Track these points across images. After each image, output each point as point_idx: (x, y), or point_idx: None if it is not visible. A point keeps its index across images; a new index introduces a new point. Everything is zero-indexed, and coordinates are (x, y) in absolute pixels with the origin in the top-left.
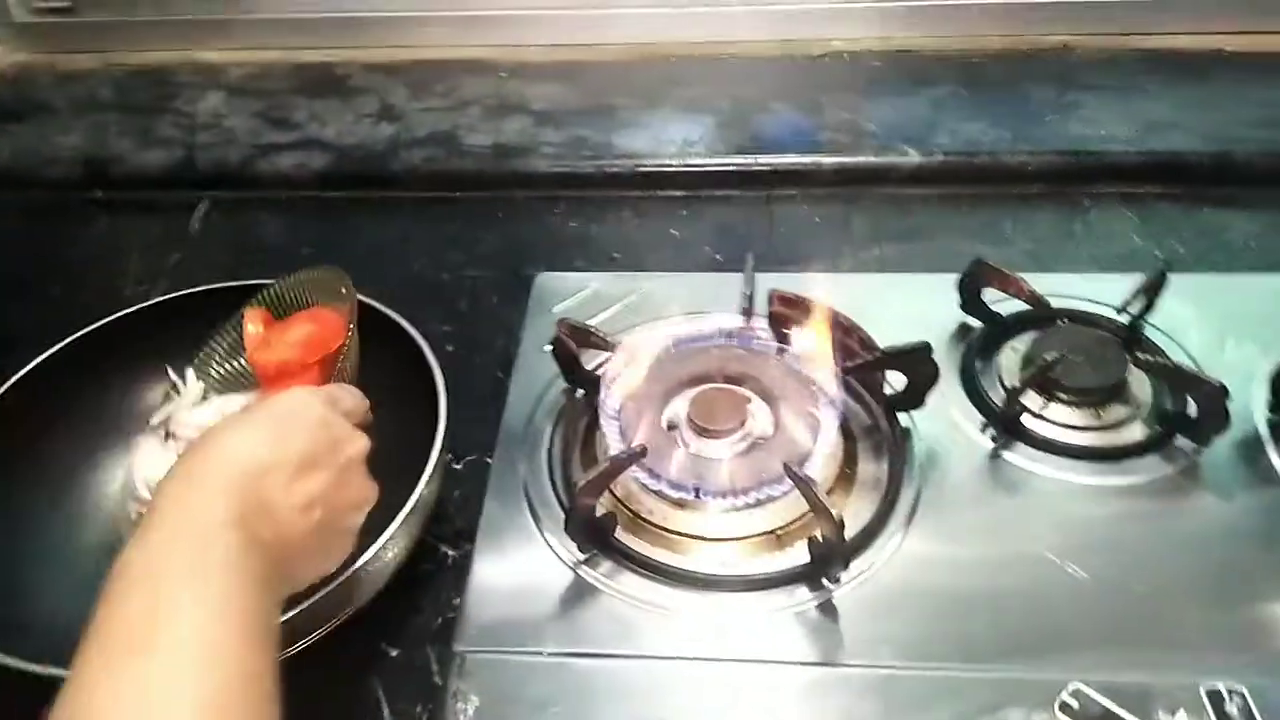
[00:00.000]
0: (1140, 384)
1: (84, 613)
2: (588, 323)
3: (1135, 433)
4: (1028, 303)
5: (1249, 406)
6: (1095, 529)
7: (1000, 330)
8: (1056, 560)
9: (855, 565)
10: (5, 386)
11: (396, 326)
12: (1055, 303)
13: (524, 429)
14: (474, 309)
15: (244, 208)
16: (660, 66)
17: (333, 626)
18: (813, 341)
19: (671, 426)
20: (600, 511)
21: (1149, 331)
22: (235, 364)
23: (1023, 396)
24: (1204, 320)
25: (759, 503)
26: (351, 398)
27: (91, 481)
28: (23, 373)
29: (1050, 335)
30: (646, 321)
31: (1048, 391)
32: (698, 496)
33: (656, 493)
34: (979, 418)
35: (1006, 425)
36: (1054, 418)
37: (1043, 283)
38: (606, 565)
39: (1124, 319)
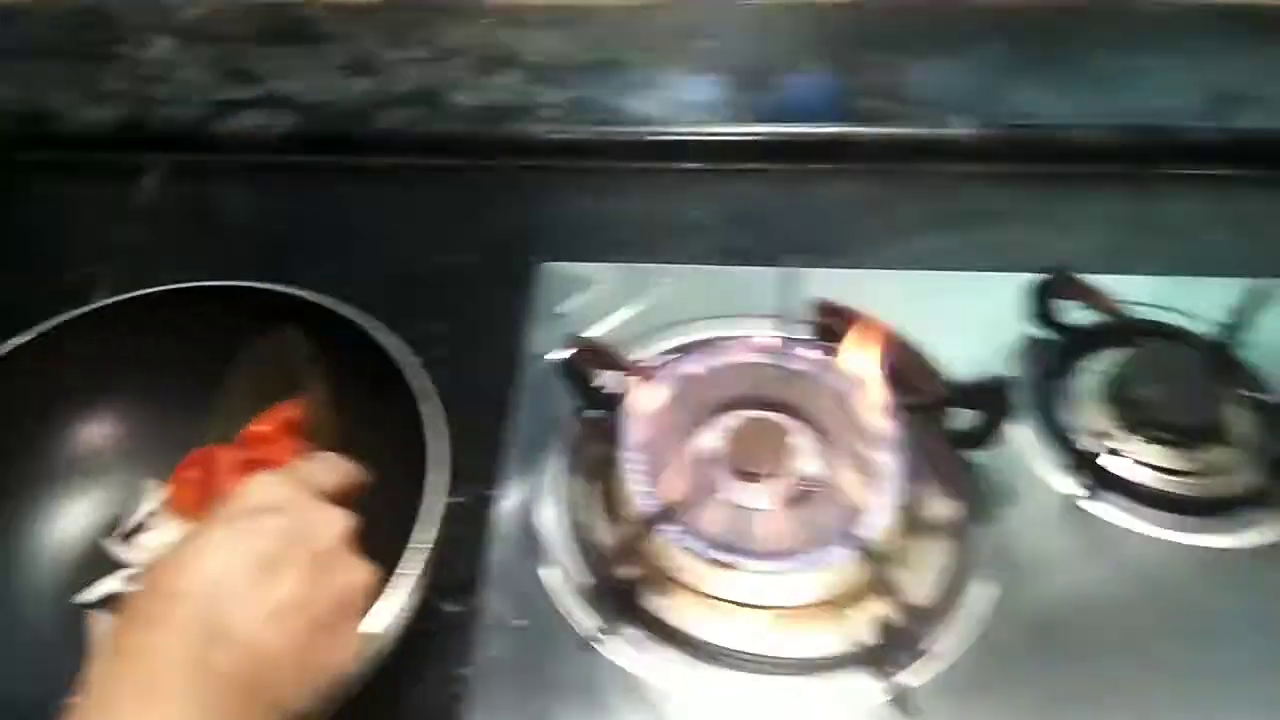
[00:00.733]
0: (1239, 418)
1: None
2: (603, 342)
3: (1238, 482)
4: (1105, 313)
5: None
6: (1192, 601)
7: (1072, 344)
8: (1148, 638)
9: (925, 639)
10: None
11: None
12: (1130, 310)
13: (533, 458)
14: (469, 303)
15: (200, 174)
16: (673, 15)
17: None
18: (866, 368)
19: (702, 463)
20: (624, 572)
21: (1243, 351)
22: None
23: (1110, 440)
24: None
25: (812, 567)
26: (329, 468)
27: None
28: None
29: (1132, 356)
30: (665, 327)
31: (1133, 426)
32: (738, 559)
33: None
34: (1053, 454)
35: (1088, 468)
36: (1140, 457)
37: (1113, 285)
38: (632, 633)
39: (1214, 335)
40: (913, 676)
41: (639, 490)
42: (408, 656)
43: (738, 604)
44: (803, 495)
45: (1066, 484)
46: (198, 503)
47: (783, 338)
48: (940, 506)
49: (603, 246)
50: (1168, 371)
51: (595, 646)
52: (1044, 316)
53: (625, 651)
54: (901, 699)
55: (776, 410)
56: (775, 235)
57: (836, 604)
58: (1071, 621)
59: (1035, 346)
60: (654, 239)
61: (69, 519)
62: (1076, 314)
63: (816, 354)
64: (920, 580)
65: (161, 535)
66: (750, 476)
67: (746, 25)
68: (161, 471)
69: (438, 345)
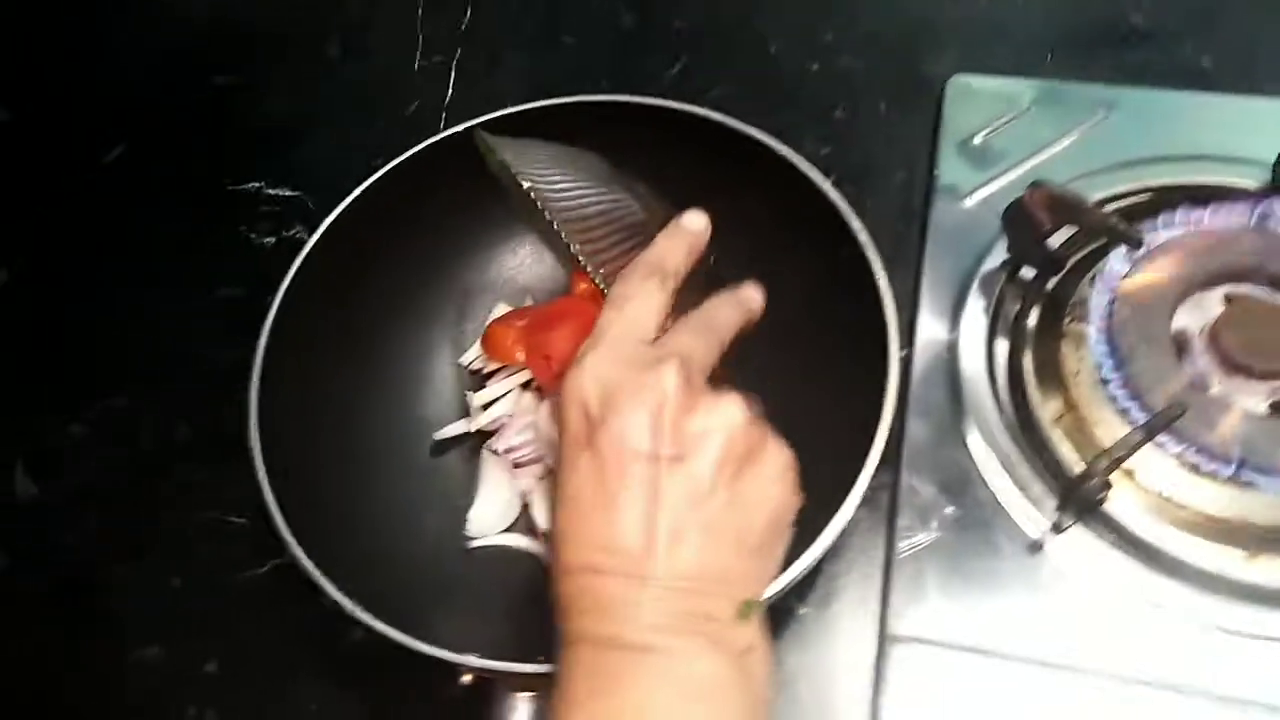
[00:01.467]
0: None
1: None
2: (1066, 188)
3: None
4: None
5: None
6: None
7: None
8: None
9: None
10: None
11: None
12: None
13: (949, 319)
14: (855, 121)
15: None
16: None
17: None
18: None
19: (1180, 345)
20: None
21: None
22: None
23: None
24: None
25: None
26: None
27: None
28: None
29: None
30: (1115, 169)
31: None
32: (1240, 474)
33: (1175, 456)
34: None
35: None
36: None
37: None
38: (1086, 537)
39: None
40: None
41: (1115, 385)
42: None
43: (1213, 518)
44: None
45: None
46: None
47: None
48: None
49: (1024, 55)
50: None
51: (1043, 546)
52: None
53: (1077, 554)
54: None
55: (1275, 289)
56: (1263, 52)
57: None
58: None
59: None
60: (1085, 51)
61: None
62: None
63: None
64: None
65: (503, 386)
66: (1248, 371)
67: None
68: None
69: (823, 169)
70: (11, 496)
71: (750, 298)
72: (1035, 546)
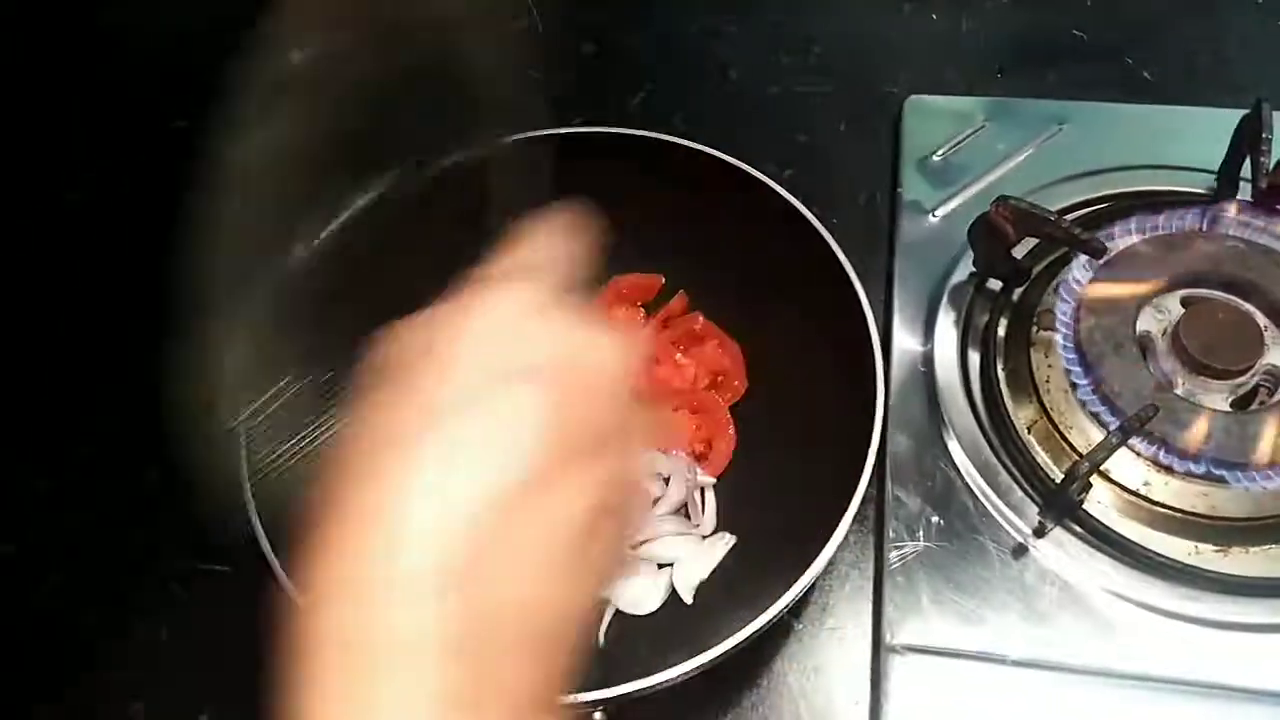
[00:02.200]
0: None
1: None
2: (1030, 202)
3: None
4: None
5: None
6: None
7: None
8: None
9: None
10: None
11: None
12: None
13: (922, 332)
14: (817, 143)
15: None
16: None
17: None
18: None
19: (1143, 348)
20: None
21: None
22: None
23: None
24: None
25: None
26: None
27: None
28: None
29: None
30: (1071, 180)
31: None
32: (1209, 471)
33: (1146, 457)
34: None
35: None
36: None
37: None
38: (1066, 537)
39: None
40: None
41: (1085, 390)
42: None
43: (1186, 514)
44: (1258, 392)
45: None
46: None
47: (1241, 202)
48: None
49: (974, 74)
50: None
51: (1028, 550)
52: None
53: (1059, 556)
54: None
55: (1229, 292)
56: (1187, 58)
57: None
58: None
59: None
60: (1037, 66)
61: None
62: None
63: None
64: None
65: None
66: (1210, 371)
67: None
68: None
69: (787, 191)
70: None
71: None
72: (1020, 550)
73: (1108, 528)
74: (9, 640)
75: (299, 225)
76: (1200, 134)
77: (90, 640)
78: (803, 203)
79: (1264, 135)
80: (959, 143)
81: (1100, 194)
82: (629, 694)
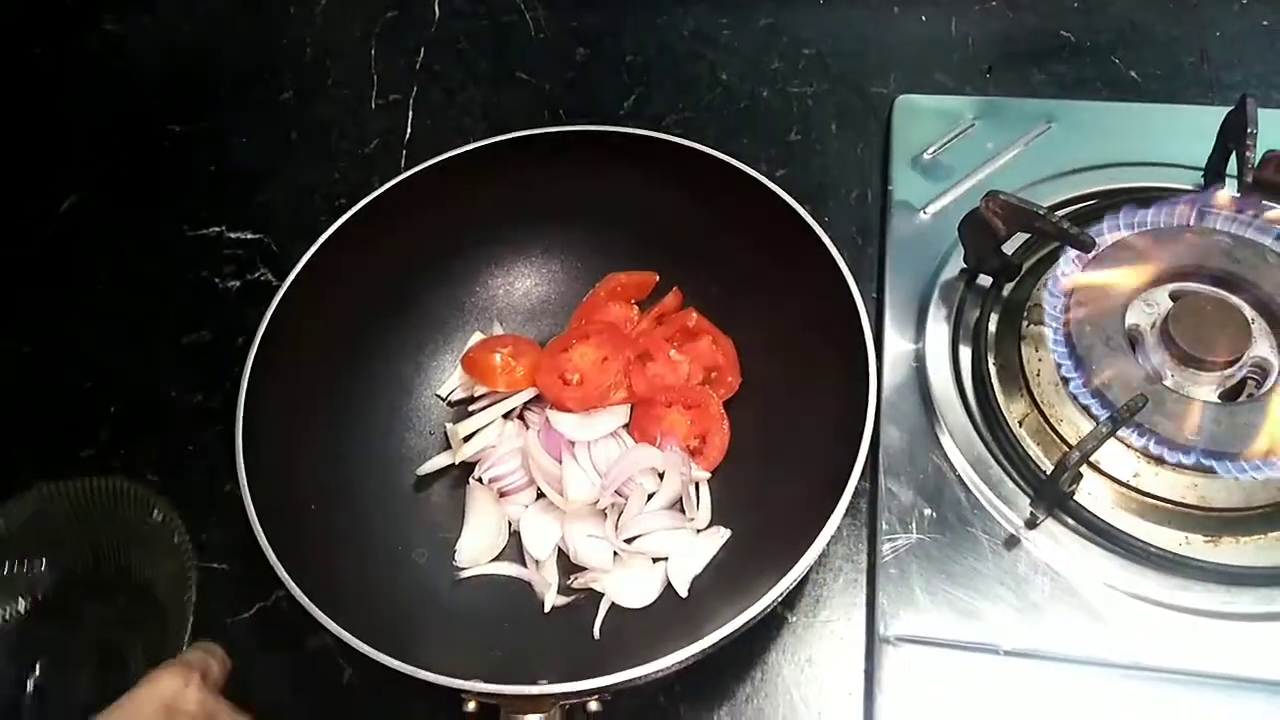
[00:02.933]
0: None
1: None
2: (1020, 197)
3: None
4: None
5: None
6: None
7: None
8: None
9: None
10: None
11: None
12: None
13: (914, 328)
14: (809, 143)
15: None
16: None
17: None
18: None
19: (1133, 341)
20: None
21: None
22: None
23: None
24: None
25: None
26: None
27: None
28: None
29: None
30: (1059, 177)
31: None
32: (1198, 461)
33: (1136, 448)
34: None
35: None
36: None
37: None
38: (1058, 529)
39: None
40: None
41: (1076, 383)
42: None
43: (1177, 504)
44: (1246, 384)
45: None
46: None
47: (1228, 197)
48: None
49: (963, 72)
50: None
51: (1020, 541)
52: None
53: (1051, 547)
54: None
55: (1217, 285)
56: (1175, 61)
57: None
58: None
59: None
60: (1022, 65)
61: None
62: None
63: (1275, 218)
64: None
65: (485, 416)
66: (1203, 365)
67: None
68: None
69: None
70: None
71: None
72: (1012, 542)
73: (1099, 519)
74: None
75: None
76: (1186, 131)
77: None
78: (795, 201)
79: (1249, 130)
80: (949, 141)
81: (1088, 191)
82: (623, 683)
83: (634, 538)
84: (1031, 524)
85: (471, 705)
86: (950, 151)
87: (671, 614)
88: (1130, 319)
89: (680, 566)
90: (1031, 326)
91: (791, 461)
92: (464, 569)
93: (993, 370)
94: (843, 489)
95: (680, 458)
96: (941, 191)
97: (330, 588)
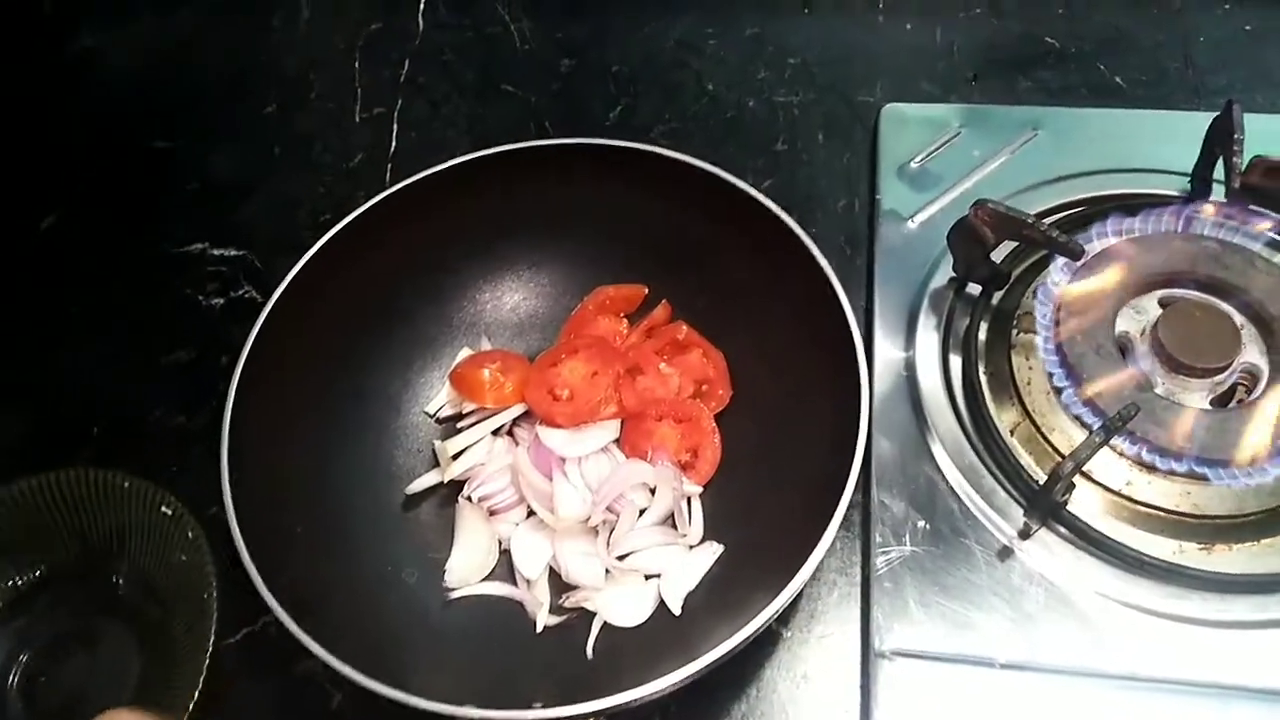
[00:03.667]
0: None
1: None
2: (1009, 206)
3: None
4: None
5: None
6: None
7: None
8: None
9: None
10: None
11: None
12: None
13: (904, 337)
14: (796, 152)
15: None
16: None
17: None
18: None
19: (1123, 349)
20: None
21: None
22: None
23: None
24: None
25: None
26: None
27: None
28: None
29: None
30: (1047, 184)
31: None
32: (1191, 469)
33: (1129, 456)
34: None
35: None
36: None
37: None
38: (1052, 539)
39: None
40: None
41: (1068, 392)
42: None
43: (1169, 512)
44: (1236, 390)
45: None
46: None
47: (1215, 203)
48: None
49: (949, 81)
50: None
51: (1013, 552)
52: None
53: (1045, 557)
54: None
55: (1206, 291)
56: (1156, 65)
57: None
58: None
59: None
60: (1007, 73)
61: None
62: None
63: (1263, 225)
64: None
65: (474, 434)
66: (1189, 370)
67: None
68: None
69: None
70: None
71: None
72: (1005, 552)
73: (1092, 528)
74: None
75: None
76: (1173, 136)
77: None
78: (783, 211)
79: (1235, 136)
80: (935, 150)
81: (1076, 198)
82: (618, 706)
83: (626, 555)
84: (1025, 534)
85: None
86: (937, 160)
87: (665, 632)
88: (1120, 326)
89: (673, 583)
90: (1022, 335)
91: (784, 474)
92: (454, 589)
93: (983, 379)
94: (836, 502)
95: (672, 472)
96: (929, 200)
97: (318, 611)
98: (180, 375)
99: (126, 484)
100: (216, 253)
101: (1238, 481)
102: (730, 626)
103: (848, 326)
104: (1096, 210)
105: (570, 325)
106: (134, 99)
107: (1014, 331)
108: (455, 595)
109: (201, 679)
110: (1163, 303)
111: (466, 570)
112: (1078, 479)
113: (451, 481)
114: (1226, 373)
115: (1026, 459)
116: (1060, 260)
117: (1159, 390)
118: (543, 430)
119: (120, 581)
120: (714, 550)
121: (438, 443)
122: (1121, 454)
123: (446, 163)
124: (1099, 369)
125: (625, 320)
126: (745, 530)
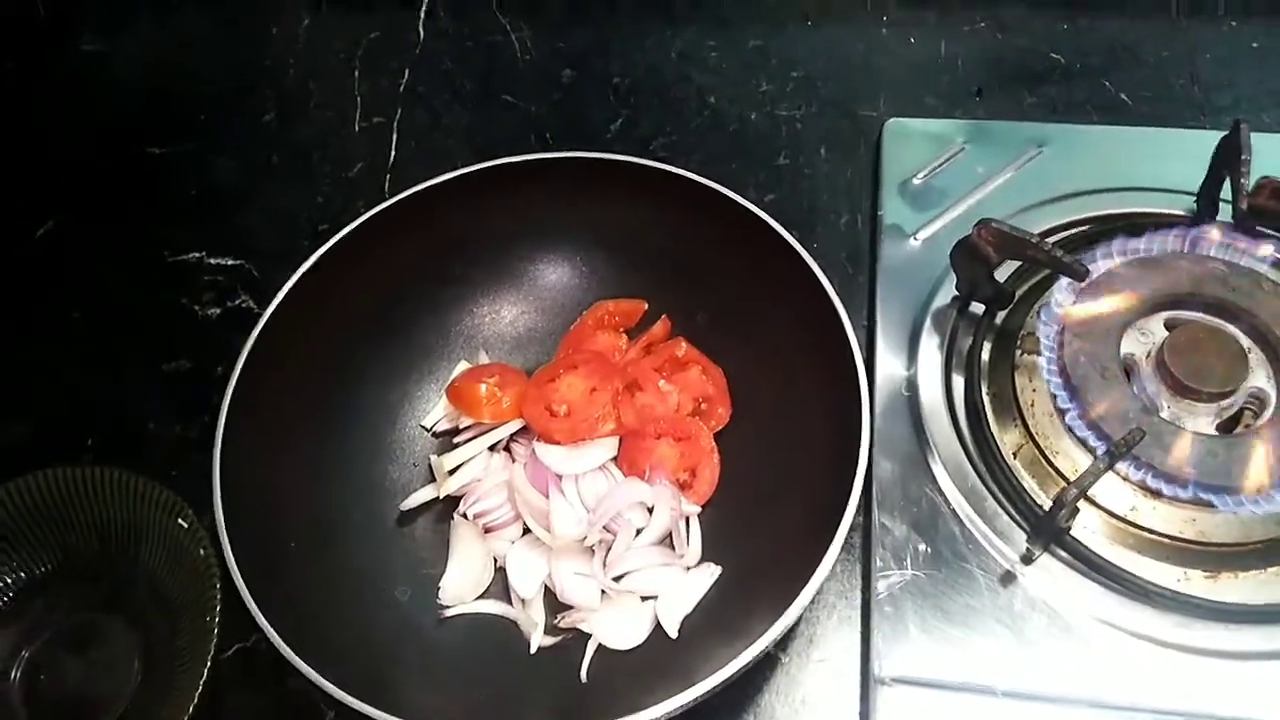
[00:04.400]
0: None
1: None
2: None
3: None
4: None
5: None
6: None
7: None
8: None
9: None
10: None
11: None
12: None
13: (905, 356)
14: (798, 167)
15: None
16: None
17: None
18: None
19: (1128, 371)
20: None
21: None
22: None
23: None
24: None
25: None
26: None
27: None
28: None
29: None
30: (1051, 202)
31: None
32: (1196, 495)
33: (1133, 481)
34: None
35: None
36: None
37: None
38: (1054, 564)
39: None
40: None
41: (1072, 414)
42: None
43: (1174, 539)
44: (1242, 415)
45: None
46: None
47: (1221, 224)
48: None
49: (953, 95)
50: None
51: (1016, 577)
52: None
53: (1048, 583)
54: None
55: (1212, 314)
56: (1165, 83)
57: None
58: None
59: None
60: (1013, 89)
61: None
62: None
63: (1270, 248)
64: None
65: (470, 449)
66: (1195, 394)
67: None
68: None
69: (769, 215)
70: None
71: None
72: (1008, 578)
73: (1096, 554)
74: None
75: None
76: (1179, 155)
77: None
78: (784, 227)
79: (1243, 156)
80: (939, 166)
81: (1081, 216)
82: None
83: (622, 575)
84: (1028, 560)
85: None
86: (941, 176)
87: (661, 656)
88: (1125, 348)
89: (670, 605)
90: (1025, 355)
91: (783, 495)
92: (448, 607)
93: (986, 400)
94: (837, 523)
95: (670, 492)
96: (932, 217)
97: (310, 629)
98: (176, 385)
99: (152, 490)
100: (214, 261)
101: (1244, 509)
102: (728, 651)
103: (849, 345)
104: (1101, 230)
105: (569, 340)
106: (132, 106)
107: (1018, 352)
108: (449, 613)
109: (197, 694)
110: (1168, 325)
111: (461, 588)
112: (1081, 504)
113: (447, 497)
114: (1233, 397)
115: (1029, 482)
116: (1065, 280)
117: (1164, 414)
118: (540, 447)
119: (130, 582)
120: (712, 572)
121: (433, 457)
122: (1126, 479)
123: (446, 174)
124: (1103, 391)
125: (624, 335)
126: (744, 552)
